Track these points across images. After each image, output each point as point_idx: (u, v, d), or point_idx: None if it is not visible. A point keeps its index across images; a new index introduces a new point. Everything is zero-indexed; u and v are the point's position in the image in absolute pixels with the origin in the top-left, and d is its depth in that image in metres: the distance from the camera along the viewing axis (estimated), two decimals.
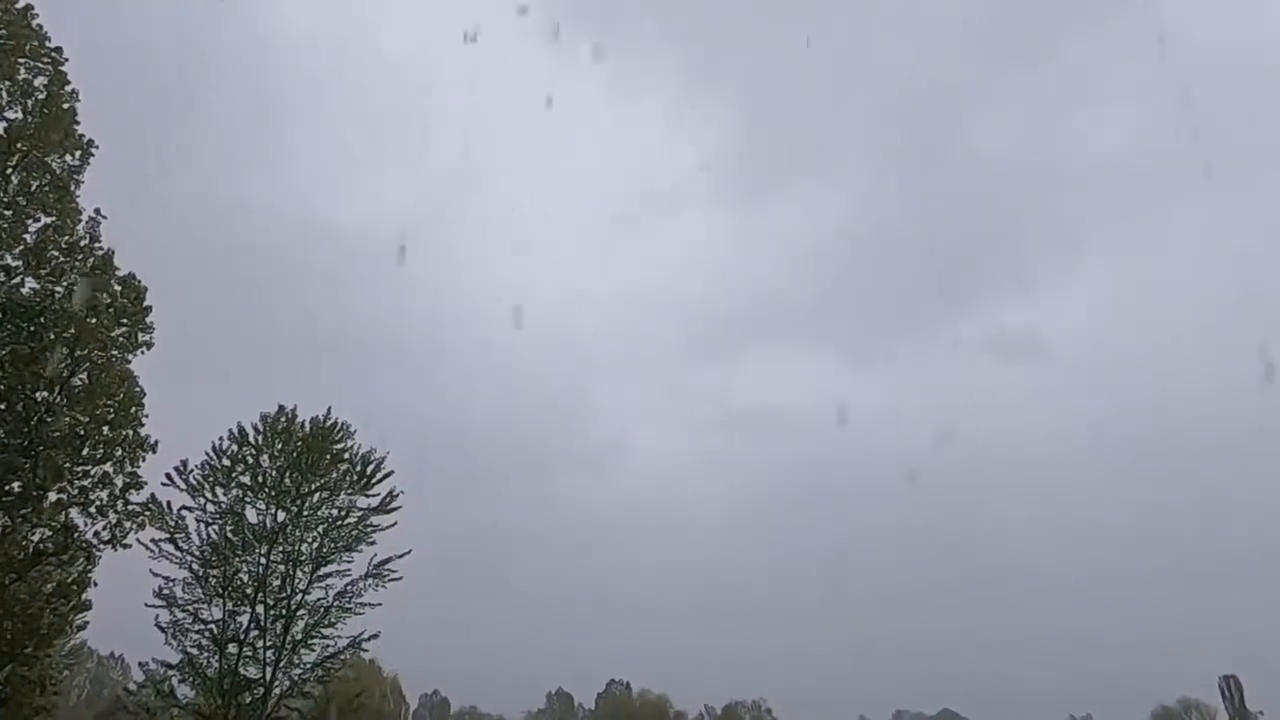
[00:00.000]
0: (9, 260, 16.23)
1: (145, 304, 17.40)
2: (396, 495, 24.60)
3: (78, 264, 16.59)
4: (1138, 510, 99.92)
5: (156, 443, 17.58)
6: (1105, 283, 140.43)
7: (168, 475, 22.46)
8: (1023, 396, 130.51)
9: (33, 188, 16.37)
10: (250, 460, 23.94)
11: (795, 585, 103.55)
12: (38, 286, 16.16)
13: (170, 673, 22.58)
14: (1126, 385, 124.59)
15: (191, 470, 23.24)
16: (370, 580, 23.77)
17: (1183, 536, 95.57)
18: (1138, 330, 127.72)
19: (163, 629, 22.28)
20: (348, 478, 24.51)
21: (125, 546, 17.31)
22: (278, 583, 23.40)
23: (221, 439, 24.02)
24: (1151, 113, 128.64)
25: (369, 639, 23.79)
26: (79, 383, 16.48)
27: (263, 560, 23.31)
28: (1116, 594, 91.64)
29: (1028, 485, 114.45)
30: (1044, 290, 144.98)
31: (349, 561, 23.98)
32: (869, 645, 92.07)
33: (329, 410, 24.88)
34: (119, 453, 16.89)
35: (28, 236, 16.41)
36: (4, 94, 16.19)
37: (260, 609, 23.05)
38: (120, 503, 16.89)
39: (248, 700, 22.46)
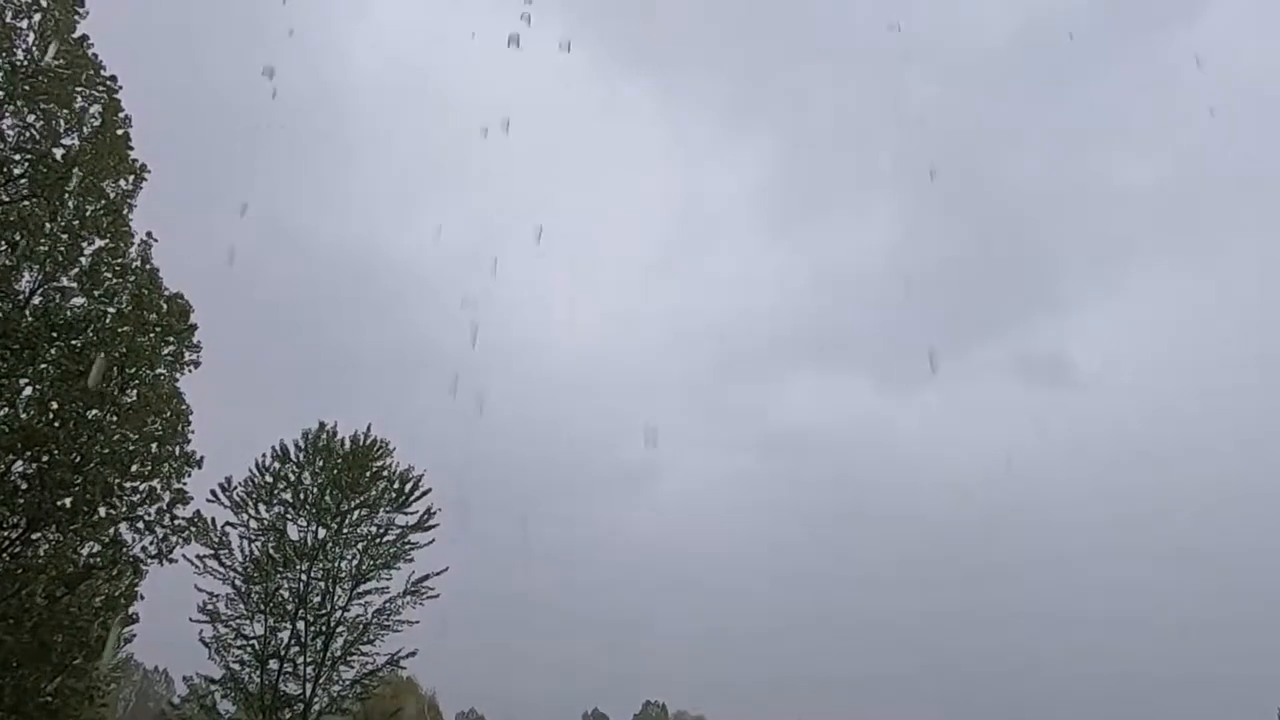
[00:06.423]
0: (65, 282, 16.73)
1: (191, 322, 17.75)
2: (434, 513, 24.80)
3: (129, 285, 17.02)
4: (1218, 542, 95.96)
5: (202, 458, 17.87)
6: (1144, 309, 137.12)
7: (212, 492, 22.91)
8: (1068, 420, 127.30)
9: (88, 212, 16.85)
10: (292, 477, 24.30)
11: (835, 608, 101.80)
12: (88, 305, 16.59)
13: (213, 687, 22.95)
14: (1191, 409, 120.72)
15: (235, 487, 23.67)
16: (408, 597, 23.93)
17: (1262, 566, 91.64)
18: (1184, 355, 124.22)
19: (206, 644, 22.68)
20: (386, 495, 24.74)
21: (171, 561, 17.56)
22: (318, 599, 23.66)
23: (264, 456, 24.45)
24: (1190, 138, 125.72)
25: (407, 656, 23.97)
26: (128, 400, 16.85)
27: (303, 577, 23.59)
28: (1189, 628, 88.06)
29: (1085, 509, 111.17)
30: (1081, 317, 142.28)
31: (387, 579, 24.21)
32: (912, 671, 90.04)
33: (369, 428, 25.21)
34: (166, 469, 17.19)
35: (83, 259, 16.89)
36: (62, 122, 16.74)
37: (301, 625, 23.32)
38: (167, 518, 17.16)
39: (288, 716, 22.68)
